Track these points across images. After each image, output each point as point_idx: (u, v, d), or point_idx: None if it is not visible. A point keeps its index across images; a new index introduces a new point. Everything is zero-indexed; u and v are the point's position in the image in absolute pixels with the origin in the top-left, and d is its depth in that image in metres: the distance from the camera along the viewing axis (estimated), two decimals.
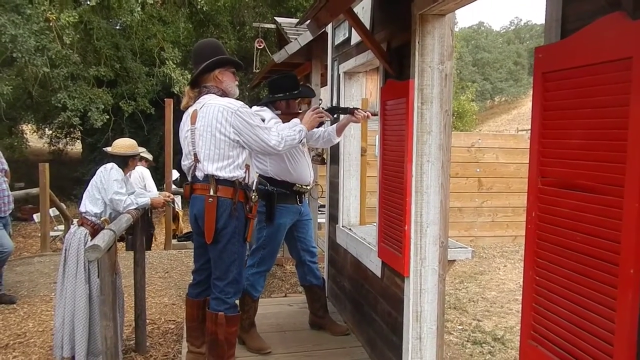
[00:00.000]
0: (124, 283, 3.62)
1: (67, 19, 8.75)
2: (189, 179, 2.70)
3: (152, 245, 7.79)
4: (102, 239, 2.46)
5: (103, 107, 10.46)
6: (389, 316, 2.85)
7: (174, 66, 10.54)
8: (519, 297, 4.95)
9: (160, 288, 5.16)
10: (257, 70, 10.06)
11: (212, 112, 2.52)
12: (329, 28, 4.09)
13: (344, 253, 3.80)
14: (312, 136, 3.29)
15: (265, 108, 3.11)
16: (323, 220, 5.10)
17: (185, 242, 7.33)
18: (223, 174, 2.54)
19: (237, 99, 2.70)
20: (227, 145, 2.53)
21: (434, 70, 2.42)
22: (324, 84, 5.81)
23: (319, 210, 5.78)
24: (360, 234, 3.54)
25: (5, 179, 4.64)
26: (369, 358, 3.14)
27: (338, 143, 3.80)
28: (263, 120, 2.97)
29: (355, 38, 3.41)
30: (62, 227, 7.86)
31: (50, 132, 15.71)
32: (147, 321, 3.79)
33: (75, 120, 10.16)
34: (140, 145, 3.56)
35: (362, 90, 4.02)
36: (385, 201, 2.82)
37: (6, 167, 4.72)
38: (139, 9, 9.50)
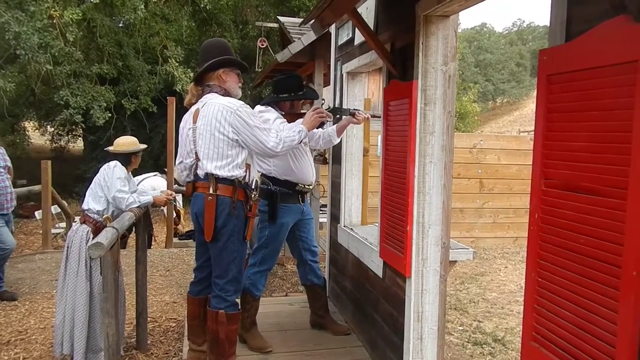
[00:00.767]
0: (125, 281, 3.63)
1: (70, 16, 8.77)
2: (192, 177, 2.71)
3: (153, 244, 7.81)
4: (105, 236, 2.47)
5: (105, 104, 10.47)
6: (390, 316, 2.85)
7: (177, 64, 10.55)
8: (520, 299, 4.96)
9: (161, 286, 5.17)
10: (260, 70, 10.08)
11: (212, 111, 2.54)
12: (332, 28, 4.09)
13: (345, 253, 3.80)
14: (312, 137, 3.29)
15: (269, 108, 3.11)
16: (324, 220, 5.11)
17: (186, 241, 7.34)
18: (222, 172, 2.55)
19: (239, 98, 2.71)
20: (226, 144, 2.54)
21: (437, 71, 2.42)
22: (326, 83, 5.82)
23: (321, 210, 5.79)
24: (361, 233, 3.54)
25: (8, 176, 4.65)
26: (370, 358, 3.15)
27: (340, 143, 3.81)
28: (267, 121, 2.98)
29: (359, 38, 3.42)
30: (63, 224, 7.88)
31: (52, 129, 15.73)
32: (148, 319, 3.80)
33: (78, 117, 10.17)
34: (142, 143, 3.57)
35: (365, 90, 4.02)
36: (388, 201, 2.82)
37: (9, 164, 4.73)
38: (142, 6, 9.51)
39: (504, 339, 3.96)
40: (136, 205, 3.18)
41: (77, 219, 4.82)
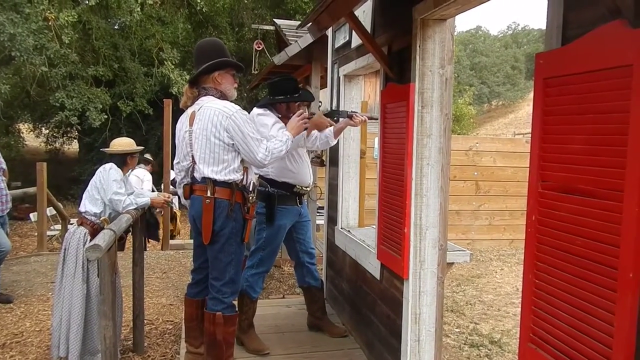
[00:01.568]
0: (121, 283, 3.62)
1: (66, 18, 8.74)
2: (189, 179, 2.71)
3: (148, 246, 7.77)
4: (103, 238, 2.46)
5: (101, 106, 10.45)
6: (387, 318, 2.86)
7: (173, 67, 10.53)
8: (516, 301, 4.98)
9: (157, 288, 5.16)
10: (256, 72, 10.08)
11: (208, 116, 2.54)
12: (329, 31, 4.10)
13: (342, 255, 3.81)
14: (309, 138, 3.31)
15: (267, 112, 3.11)
16: (321, 222, 5.12)
17: (182, 243, 7.33)
18: (219, 177, 2.55)
19: (236, 99, 2.70)
20: (222, 149, 2.54)
21: (434, 74, 2.44)
22: (323, 86, 5.83)
23: (318, 212, 5.79)
24: (359, 236, 3.55)
25: (3, 178, 4.64)
26: None
27: (337, 145, 3.82)
28: (265, 125, 2.99)
29: (356, 41, 3.43)
30: (59, 226, 7.84)
31: (47, 131, 15.67)
32: (145, 321, 3.79)
33: (74, 119, 10.14)
34: (138, 145, 3.56)
35: (362, 93, 4.04)
36: (385, 204, 2.83)
37: (4, 166, 4.71)
38: (138, 9, 9.49)
39: (501, 341, 3.97)
40: (133, 207, 3.18)
41: (73, 221, 4.80)
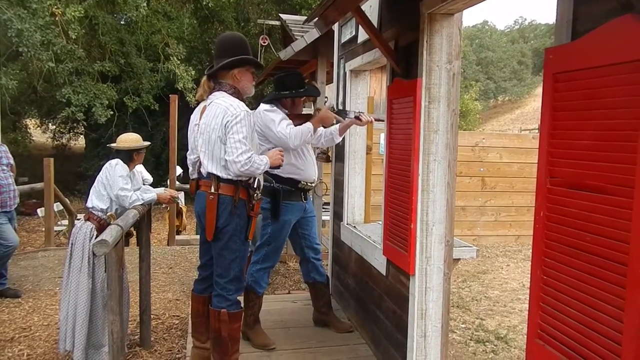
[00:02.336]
0: (128, 278, 3.64)
1: (72, 13, 8.76)
2: (196, 174, 2.71)
3: (154, 241, 7.81)
4: (110, 234, 2.47)
5: (107, 102, 10.47)
6: (393, 314, 2.86)
7: (178, 62, 10.54)
8: (522, 297, 4.97)
9: (164, 284, 5.18)
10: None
11: (214, 112, 2.53)
12: (335, 26, 4.09)
13: (348, 250, 3.81)
14: (315, 135, 3.30)
15: (275, 108, 3.11)
16: (327, 218, 5.11)
17: (188, 238, 7.36)
18: (223, 173, 2.55)
19: (251, 96, 2.71)
20: (222, 148, 2.52)
21: (441, 69, 2.43)
22: (329, 81, 5.81)
23: (323, 208, 5.79)
24: (364, 231, 3.55)
25: (11, 174, 4.66)
26: (373, 355, 3.16)
27: (343, 141, 3.82)
28: (273, 121, 2.99)
29: (362, 36, 3.42)
30: (66, 222, 7.89)
31: (54, 127, 15.75)
32: (152, 316, 3.81)
33: (80, 115, 10.18)
34: (144, 141, 3.57)
35: (368, 88, 4.02)
36: (391, 199, 2.82)
37: (12, 161, 4.73)
38: (144, 4, 9.49)
39: (507, 336, 3.97)
40: (140, 203, 3.19)
41: (80, 216, 4.82)
